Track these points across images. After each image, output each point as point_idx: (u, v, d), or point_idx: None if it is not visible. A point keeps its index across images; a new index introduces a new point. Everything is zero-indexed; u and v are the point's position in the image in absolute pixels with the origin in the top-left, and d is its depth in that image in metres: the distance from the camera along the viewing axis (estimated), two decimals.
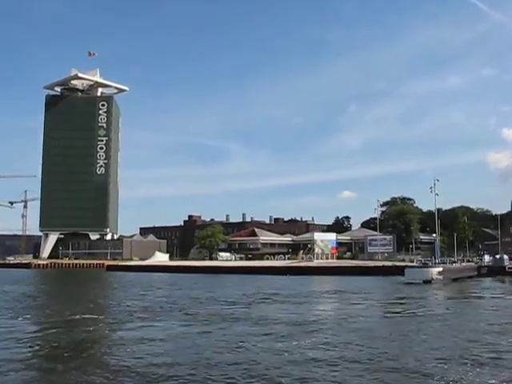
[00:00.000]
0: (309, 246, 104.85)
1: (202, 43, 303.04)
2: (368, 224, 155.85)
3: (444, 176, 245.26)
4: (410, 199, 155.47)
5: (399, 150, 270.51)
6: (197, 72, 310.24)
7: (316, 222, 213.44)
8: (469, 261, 71.03)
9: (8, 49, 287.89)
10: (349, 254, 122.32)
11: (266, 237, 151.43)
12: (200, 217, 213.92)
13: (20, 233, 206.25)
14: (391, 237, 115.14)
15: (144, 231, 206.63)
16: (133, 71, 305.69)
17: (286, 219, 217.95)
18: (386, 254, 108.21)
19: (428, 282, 52.94)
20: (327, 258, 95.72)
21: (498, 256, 71.54)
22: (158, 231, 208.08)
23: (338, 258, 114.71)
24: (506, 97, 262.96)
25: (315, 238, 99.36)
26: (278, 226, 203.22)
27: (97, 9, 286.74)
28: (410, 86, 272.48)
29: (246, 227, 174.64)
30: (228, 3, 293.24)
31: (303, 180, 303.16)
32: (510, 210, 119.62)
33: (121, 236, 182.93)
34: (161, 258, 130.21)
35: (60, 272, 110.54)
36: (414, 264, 59.78)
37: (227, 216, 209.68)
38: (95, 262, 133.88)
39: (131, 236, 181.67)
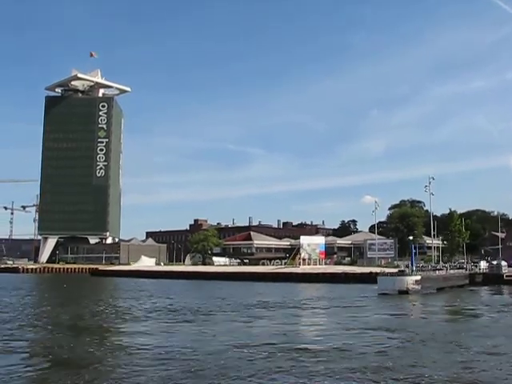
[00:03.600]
0: (295, 250, 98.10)
1: (225, 48, 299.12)
2: (377, 228, 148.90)
3: (467, 181, 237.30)
4: (419, 202, 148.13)
5: (422, 154, 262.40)
6: (218, 77, 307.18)
7: (326, 227, 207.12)
8: (460, 267, 63.28)
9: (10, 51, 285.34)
10: (348, 259, 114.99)
11: (261, 241, 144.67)
12: (206, 221, 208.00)
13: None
14: (392, 241, 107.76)
15: (150, 235, 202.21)
16: (151, 75, 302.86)
17: (294, 223, 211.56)
18: (389, 260, 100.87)
19: (404, 292, 45.98)
20: (315, 264, 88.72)
21: (494, 262, 63.70)
22: (163, 235, 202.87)
23: (337, 263, 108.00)
24: None
25: (301, 241, 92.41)
26: (285, 230, 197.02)
27: (113, 14, 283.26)
28: (433, 91, 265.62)
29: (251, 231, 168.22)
30: (251, 7, 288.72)
31: (325, 185, 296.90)
32: None
33: (120, 240, 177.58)
34: (147, 263, 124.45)
35: (40, 277, 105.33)
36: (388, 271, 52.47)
37: (233, 220, 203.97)
38: (82, 266, 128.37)
39: (129, 240, 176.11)
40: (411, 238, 67.14)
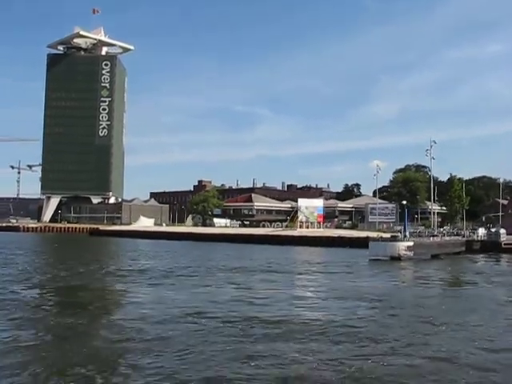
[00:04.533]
0: (293, 213, 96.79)
1: (236, 11, 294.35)
2: (381, 192, 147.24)
3: (482, 146, 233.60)
4: (424, 167, 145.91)
5: (434, 119, 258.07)
6: (229, 39, 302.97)
7: (332, 190, 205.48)
8: (457, 234, 61.82)
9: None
10: (349, 223, 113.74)
11: (262, 203, 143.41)
12: (210, 182, 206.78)
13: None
14: (394, 205, 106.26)
15: (153, 196, 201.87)
16: (156, 36, 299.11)
17: (299, 186, 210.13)
18: (390, 225, 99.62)
19: (396, 258, 44.85)
20: (311, 227, 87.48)
21: (493, 230, 62.17)
22: (167, 196, 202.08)
23: (337, 227, 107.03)
24: None
25: (299, 204, 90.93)
26: (289, 192, 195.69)
27: None
28: (447, 54, 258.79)
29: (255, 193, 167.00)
30: None
31: (333, 148, 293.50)
32: None
33: (122, 200, 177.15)
34: (146, 223, 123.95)
35: (38, 236, 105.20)
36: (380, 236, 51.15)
37: (237, 182, 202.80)
38: (83, 226, 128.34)
39: (131, 200, 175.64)
40: (405, 202, 65.17)
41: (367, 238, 57.68)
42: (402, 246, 45.47)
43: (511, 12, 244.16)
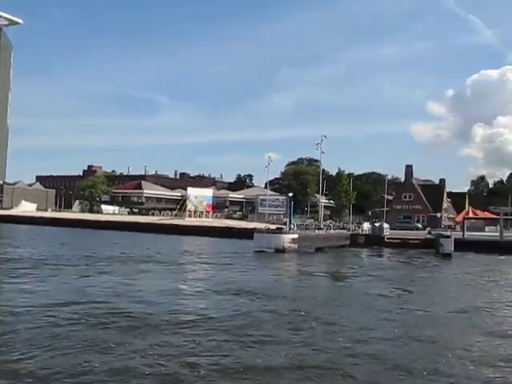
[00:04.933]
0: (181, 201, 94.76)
1: None
2: (273, 184, 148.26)
3: (371, 143, 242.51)
4: (317, 161, 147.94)
5: (330, 114, 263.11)
6: (128, 23, 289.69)
7: (225, 180, 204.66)
8: (343, 227, 62.38)
9: None
10: (239, 213, 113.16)
11: (152, 190, 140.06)
12: (101, 167, 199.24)
13: None
14: (284, 198, 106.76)
15: (40, 180, 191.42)
16: (55, 13, 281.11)
17: (192, 175, 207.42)
18: (281, 216, 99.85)
19: (281, 250, 43.90)
20: (200, 217, 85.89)
21: (377, 224, 63.28)
22: (55, 181, 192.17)
23: (227, 217, 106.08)
24: (434, 71, 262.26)
25: (188, 193, 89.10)
26: (181, 181, 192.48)
27: None
28: (346, 53, 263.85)
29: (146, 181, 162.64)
30: None
31: (231, 138, 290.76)
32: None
33: (3, 183, 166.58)
34: (27, 208, 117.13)
35: None
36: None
37: (128, 168, 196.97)
38: None
39: (14, 183, 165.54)
40: (291, 194, 65.06)
41: (254, 230, 56.78)
42: (287, 239, 44.67)
43: (407, 17, 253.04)
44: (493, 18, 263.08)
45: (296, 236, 45.70)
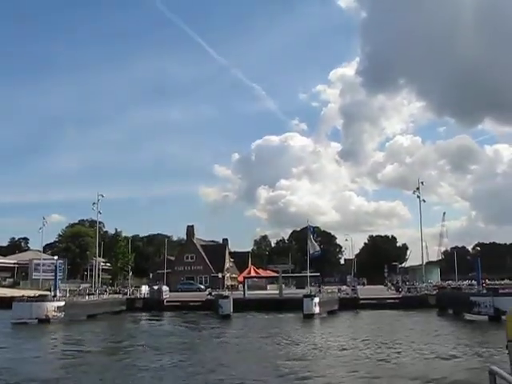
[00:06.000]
0: None
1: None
2: (52, 248, 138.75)
3: (158, 205, 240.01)
4: (100, 222, 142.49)
5: (114, 177, 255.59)
6: None
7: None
8: (119, 292, 58.97)
9: None
10: (9, 280, 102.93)
11: None
12: None
13: None
14: (61, 261, 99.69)
15: None
16: None
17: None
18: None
19: (45, 321, 39.48)
20: None
21: (155, 287, 60.94)
22: None
23: None
24: (221, 135, 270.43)
25: None
26: None
27: None
28: (130, 114, 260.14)
29: None
30: None
31: (8, 199, 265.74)
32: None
33: None
34: None
35: None
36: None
37: None
38: None
39: None
40: (56, 257, 61.04)
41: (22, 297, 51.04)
42: (51, 307, 40.35)
43: (195, 82, 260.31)
44: (273, 89, 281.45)
45: (62, 303, 41.49)
